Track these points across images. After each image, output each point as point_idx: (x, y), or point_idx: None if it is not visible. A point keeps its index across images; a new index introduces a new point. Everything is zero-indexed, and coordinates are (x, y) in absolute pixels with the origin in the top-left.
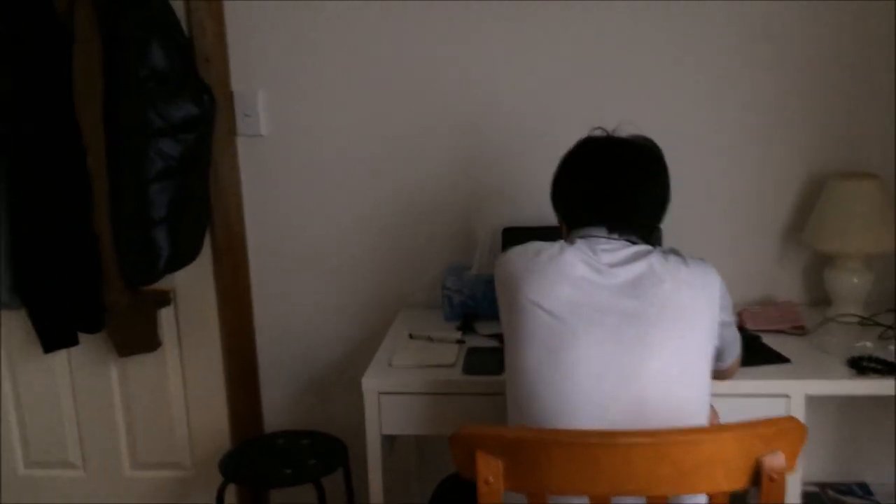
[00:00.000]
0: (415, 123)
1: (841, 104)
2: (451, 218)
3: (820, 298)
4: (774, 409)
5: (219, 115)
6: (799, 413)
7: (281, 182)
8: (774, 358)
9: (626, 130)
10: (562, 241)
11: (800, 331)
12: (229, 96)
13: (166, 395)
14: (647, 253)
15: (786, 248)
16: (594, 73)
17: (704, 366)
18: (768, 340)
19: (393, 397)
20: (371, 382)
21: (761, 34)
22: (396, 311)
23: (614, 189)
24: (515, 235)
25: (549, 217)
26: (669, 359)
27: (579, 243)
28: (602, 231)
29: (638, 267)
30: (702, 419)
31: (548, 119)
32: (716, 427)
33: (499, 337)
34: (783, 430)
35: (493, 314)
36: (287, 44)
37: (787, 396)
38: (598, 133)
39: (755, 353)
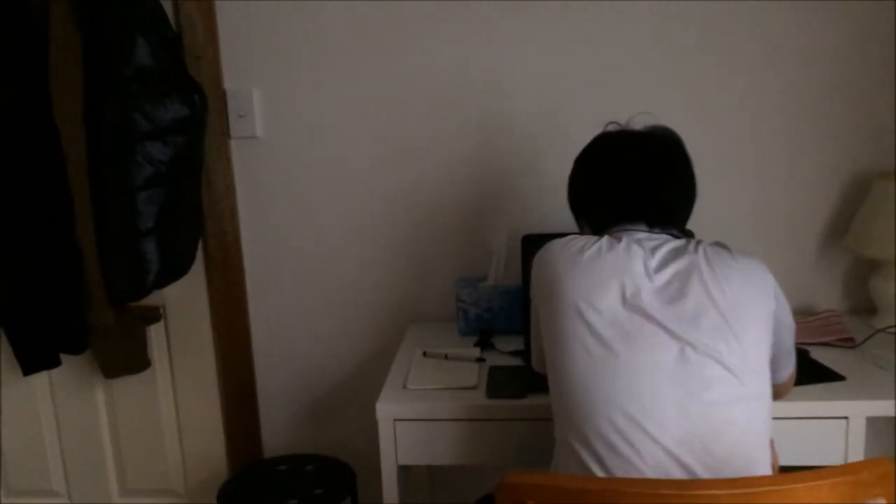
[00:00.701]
0: (422, 123)
1: (887, 98)
2: (462, 224)
3: (861, 307)
4: (832, 433)
5: (210, 116)
6: (859, 437)
7: (278, 187)
8: (828, 375)
9: (640, 122)
10: (607, 237)
11: (848, 343)
12: (222, 96)
13: (157, 418)
14: (694, 247)
15: (825, 254)
16: (613, 68)
17: (763, 366)
18: (815, 355)
19: (409, 424)
20: (386, 408)
21: (797, 22)
22: (405, 325)
23: (646, 183)
24: (536, 244)
25: (570, 222)
26: (727, 366)
27: (626, 239)
28: (642, 226)
29: (685, 262)
30: (764, 441)
31: (567, 116)
32: (809, 475)
33: (521, 354)
34: (883, 474)
35: (511, 328)
36: (283, 38)
37: (845, 419)
38: (613, 128)
39: (806, 370)
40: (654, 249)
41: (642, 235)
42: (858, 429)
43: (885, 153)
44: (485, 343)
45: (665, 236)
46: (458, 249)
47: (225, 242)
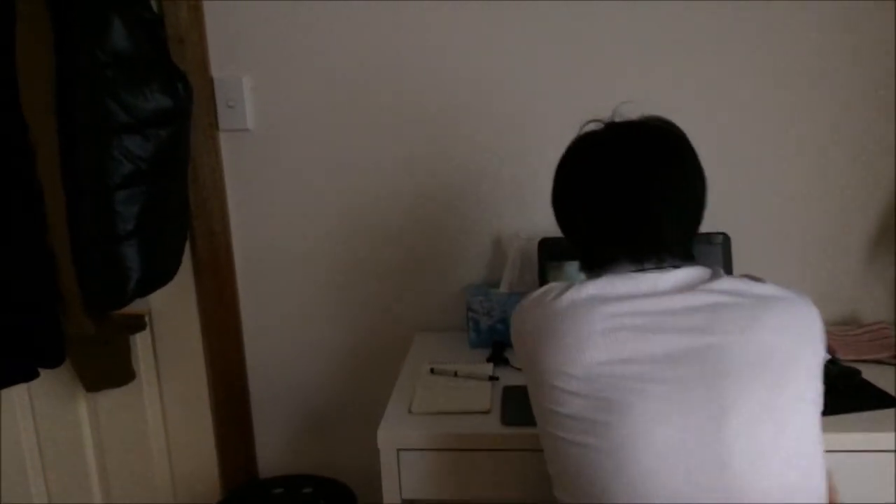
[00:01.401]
0: (433, 114)
1: None
2: (474, 225)
3: None
4: (887, 467)
5: (196, 106)
6: None
7: (272, 184)
8: (884, 400)
9: (627, 113)
10: (581, 282)
11: None
12: (209, 84)
13: (144, 435)
14: (707, 277)
15: (872, 260)
16: (636, 55)
17: (812, 422)
18: (867, 374)
19: (415, 454)
20: (388, 436)
21: (848, 20)
22: (411, 334)
23: (634, 204)
24: (554, 248)
25: None
26: (758, 421)
27: (606, 279)
28: (628, 267)
29: (696, 298)
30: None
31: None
32: None
33: None
34: None
35: None
36: (277, 21)
37: None
38: (592, 127)
39: (857, 393)
40: (646, 284)
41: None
42: None
43: None
44: (498, 358)
45: (663, 269)
46: (469, 252)
47: (214, 244)
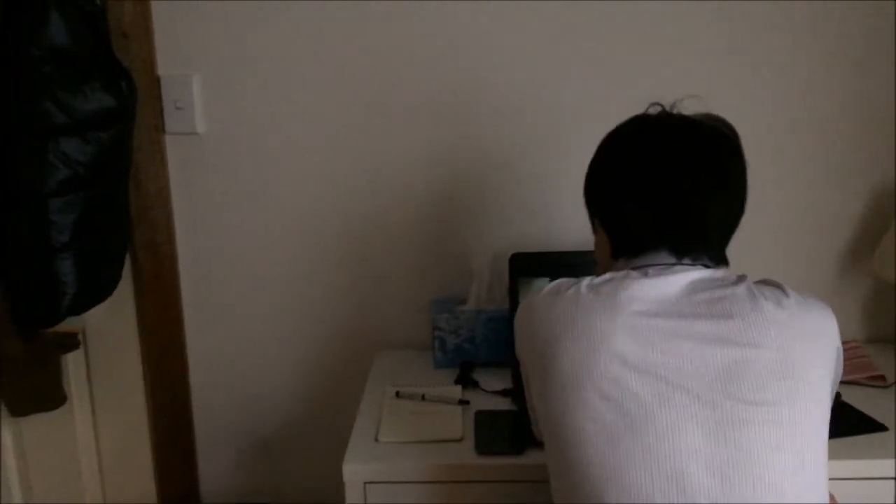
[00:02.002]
0: (392, 120)
1: None
2: (439, 238)
3: (881, 336)
4: (879, 495)
5: (141, 107)
6: None
7: (223, 192)
8: (869, 425)
9: (690, 107)
10: (610, 275)
11: (879, 382)
12: (155, 83)
13: (76, 464)
14: (735, 283)
15: (846, 277)
16: (618, 68)
17: (822, 444)
18: (846, 397)
19: (383, 488)
20: (355, 468)
21: (824, 16)
22: (372, 353)
23: (685, 197)
24: (526, 263)
25: (565, 239)
26: (780, 437)
27: (633, 278)
28: (666, 257)
29: (723, 306)
30: None
31: (566, 121)
32: None
33: (511, 394)
34: None
35: (495, 360)
36: (231, 15)
37: (893, 479)
38: (654, 110)
39: (842, 417)
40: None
41: (660, 269)
42: None
43: None
44: (466, 380)
45: (695, 269)
46: (434, 267)
47: (158, 256)
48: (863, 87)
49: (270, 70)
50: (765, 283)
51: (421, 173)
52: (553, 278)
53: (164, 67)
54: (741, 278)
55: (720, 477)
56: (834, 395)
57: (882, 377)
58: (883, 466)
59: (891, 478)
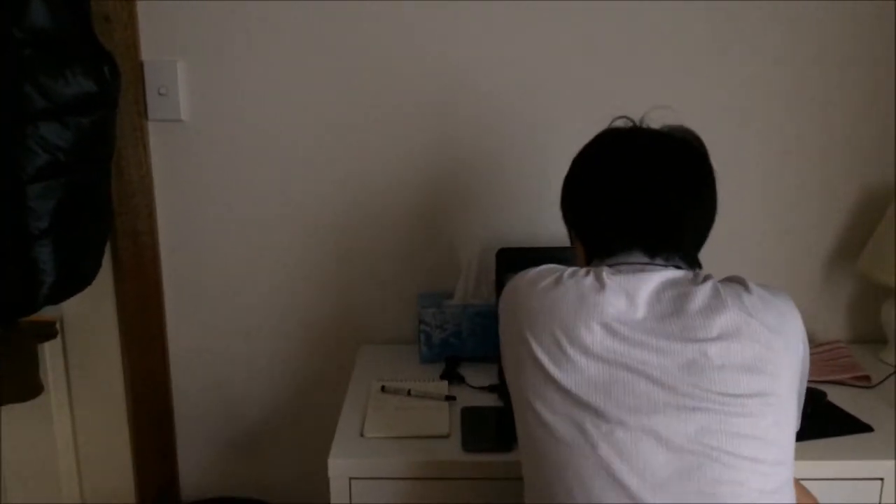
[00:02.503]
0: (381, 112)
1: None
2: (425, 231)
3: (866, 336)
4: (864, 495)
5: (123, 92)
6: (893, 501)
7: (207, 181)
8: (854, 426)
9: (657, 119)
10: (589, 269)
11: (863, 383)
12: (138, 68)
13: (52, 455)
14: (701, 282)
15: (831, 277)
16: (606, 62)
17: (788, 443)
18: (832, 397)
19: (369, 483)
20: (340, 463)
21: (805, 23)
22: (356, 347)
23: (657, 201)
24: (513, 258)
25: (551, 235)
26: (745, 429)
27: (608, 274)
28: (640, 257)
29: (688, 302)
30: None
31: (554, 114)
32: None
33: (498, 390)
34: None
35: (482, 355)
36: (215, 1)
37: (880, 480)
38: (622, 123)
39: (827, 417)
40: (639, 284)
41: (630, 268)
42: (893, 491)
43: None
44: (452, 374)
45: (668, 269)
46: (421, 261)
47: (139, 245)
48: (847, 89)
49: (257, 57)
50: (728, 280)
51: (408, 166)
52: None
53: (148, 52)
54: (707, 277)
55: (685, 465)
56: (804, 388)
57: (867, 377)
58: (868, 467)
59: (876, 478)
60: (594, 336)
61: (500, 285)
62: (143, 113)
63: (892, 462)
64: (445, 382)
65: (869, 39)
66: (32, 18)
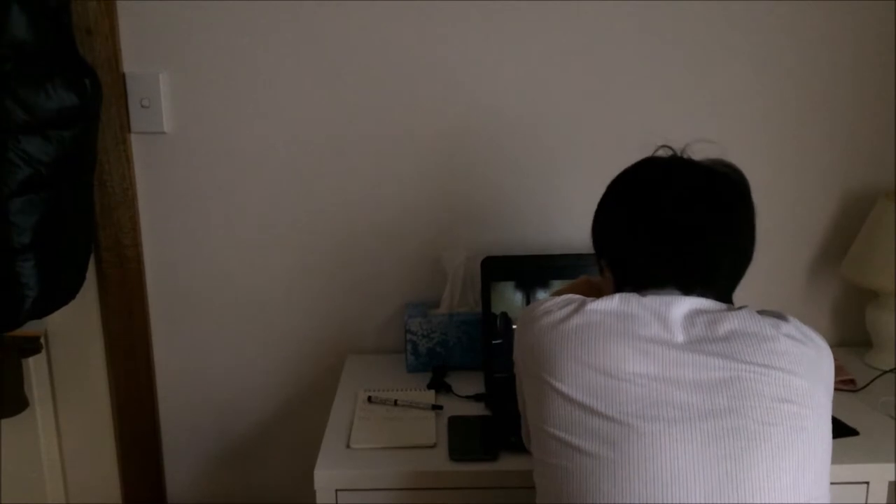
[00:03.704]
0: (367, 123)
1: (892, 110)
2: (411, 241)
3: (850, 340)
4: (850, 499)
5: (105, 105)
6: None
7: (190, 193)
8: (839, 430)
9: (699, 150)
10: (615, 295)
11: (849, 387)
12: (120, 80)
13: (38, 471)
14: (736, 309)
15: (815, 281)
16: (588, 73)
17: (826, 466)
18: None
19: (355, 494)
20: (326, 475)
21: (787, 31)
22: (342, 358)
23: (695, 242)
24: (499, 267)
25: (536, 243)
26: (782, 466)
27: (639, 298)
28: (673, 293)
29: (723, 326)
30: None
31: (540, 122)
32: None
33: (485, 399)
34: None
35: (468, 364)
36: (197, 12)
37: (865, 483)
38: (664, 153)
39: None
40: (670, 307)
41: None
42: (880, 495)
43: (889, 169)
44: (439, 384)
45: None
46: (407, 270)
47: (123, 259)
48: (828, 95)
49: (240, 68)
50: (764, 311)
51: (393, 176)
52: (525, 282)
53: (130, 65)
54: (742, 307)
55: (718, 489)
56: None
57: (852, 381)
58: (854, 471)
59: (862, 482)
60: (627, 361)
61: (486, 293)
62: (125, 125)
63: (878, 465)
64: (432, 392)
65: (850, 44)
66: (12, 32)
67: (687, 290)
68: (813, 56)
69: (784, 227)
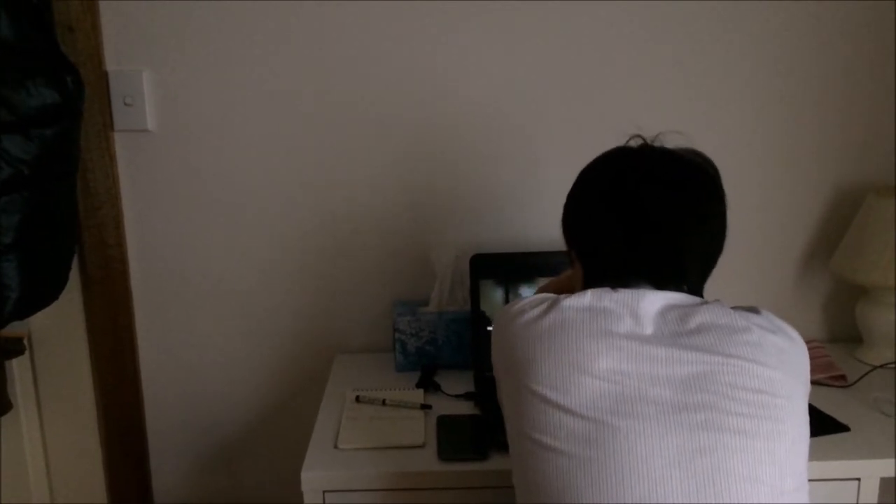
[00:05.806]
0: (354, 120)
1: (881, 105)
2: (399, 239)
3: (840, 335)
4: (841, 495)
5: (88, 103)
6: (871, 500)
7: (176, 192)
8: (831, 426)
9: (669, 140)
10: (586, 291)
11: (840, 382)
12: (103, 78)
13: (22, 473)
14: (709, 303)
15: (805, 277)
16: (581, 68)
17: (804, 463)
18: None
19: (343, 496)
20: (313, 476)
21: (779, 28)
22: (330, 357)
23: (664, 231)
24: (488, 265)
25: (527, 240)
26: (759, 458)
27: (610, 292)
28: (645, 287)
29: (693, 321)
30: None
31: (526, 118)
32: None
33: (475, 398)
34: None
35: (457, 362)
36: (180, 8)
37: (856, 480)
38: (635, 143)
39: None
40: (641, 302)
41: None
42: (871, 492)
43: (879, 164)
44: (428, 383)
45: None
46: (394, 268)
47: (107, 258)
48: (818, 91)
49: (223, 65)
50: (737, 306)
51: (382, 173)
52: (514, 279)
53: (113, 62)
54: (715, 301)
55: (694, 484)
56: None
57: (843, 377)
58: (846, 467)
59: (853, 478)
60: (601, 358)
61: (475, 291)
62: (108, 123)
63: (870, 462)
64: (421, 391)
65: (840, 40)
66: None
67: (659, 285)
68: (803, 52)
69: (774, 222)
